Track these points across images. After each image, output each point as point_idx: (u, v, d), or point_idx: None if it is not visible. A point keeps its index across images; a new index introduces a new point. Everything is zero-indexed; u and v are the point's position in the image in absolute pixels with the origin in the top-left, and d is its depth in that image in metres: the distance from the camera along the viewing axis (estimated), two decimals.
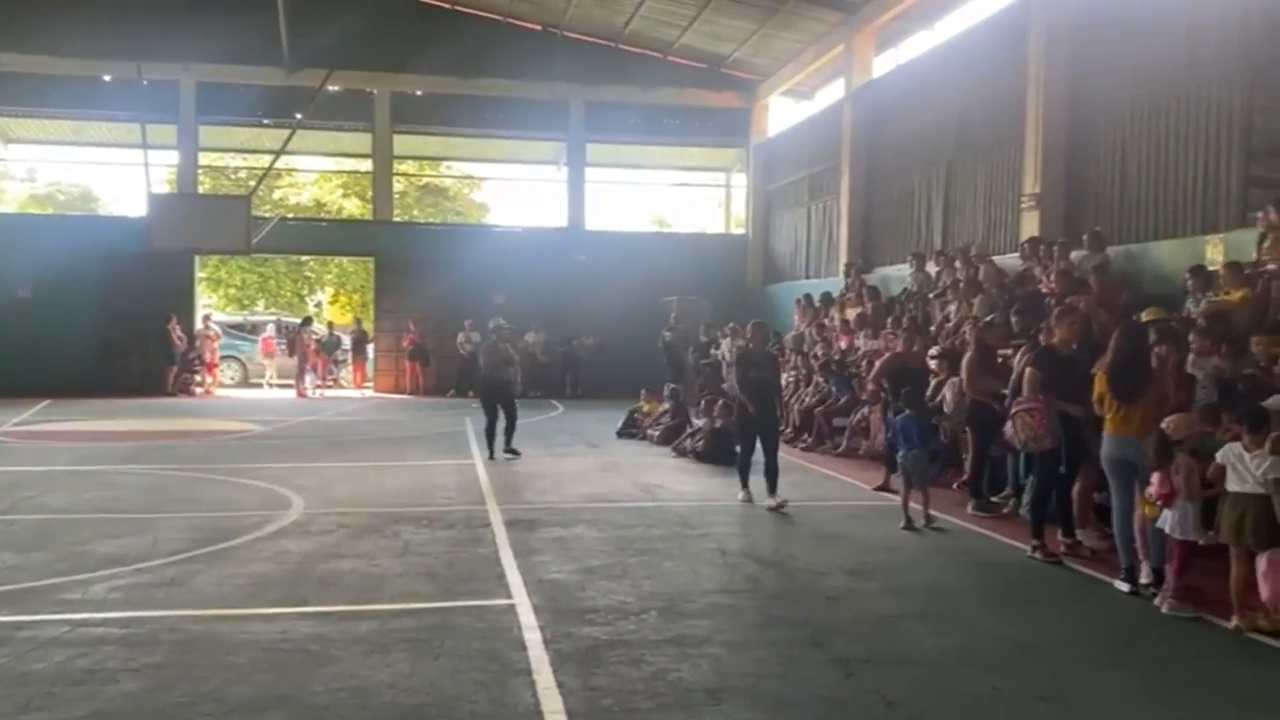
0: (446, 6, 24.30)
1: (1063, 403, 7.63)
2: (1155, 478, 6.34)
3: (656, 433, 14.86)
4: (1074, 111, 13.63)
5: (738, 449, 10.45)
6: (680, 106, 25.67)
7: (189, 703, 4.67)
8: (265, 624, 5.89)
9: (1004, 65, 14.82)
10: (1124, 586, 6.85)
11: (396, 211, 26.54)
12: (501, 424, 12.88)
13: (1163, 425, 6.44)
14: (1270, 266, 9.13)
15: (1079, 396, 7.49)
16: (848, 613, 6.37)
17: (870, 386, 12.35)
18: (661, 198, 29.08)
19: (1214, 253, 10.25)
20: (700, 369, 19.23)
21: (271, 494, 10.14)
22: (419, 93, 24.98)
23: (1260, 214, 9.56)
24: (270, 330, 26.52)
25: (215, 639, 5.62)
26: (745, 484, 10.13)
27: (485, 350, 13.29)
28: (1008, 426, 8.06)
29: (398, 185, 28.49)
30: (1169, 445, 6.36)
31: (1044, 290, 11.47)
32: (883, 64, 20.16)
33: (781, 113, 25.60)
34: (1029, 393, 7.80)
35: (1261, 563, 5.92)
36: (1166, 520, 6.35)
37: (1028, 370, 7.97)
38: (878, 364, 11.66)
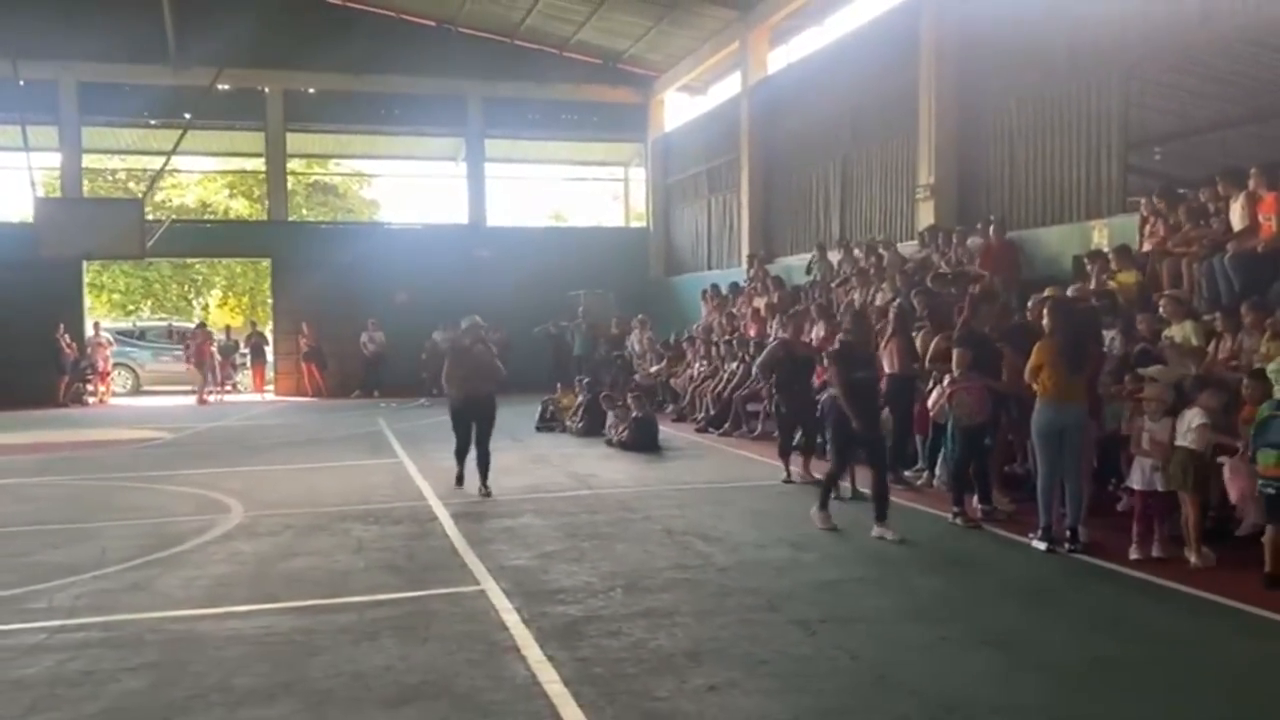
0: (338, 3, 24.05)
1: (989, 380, 8.30)
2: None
3: (580, 425, 15.17)
4: (964, 105, 14.46)
5: (829, 453, 9.07)
6: (577, 101, 25.93)
7: (197, 694, 4.82)
8: (245, 620, 6.03)
9: (896, 61, 15.58)
10: (1041, 545, 7.50)
11: (293, 210, 26.16)
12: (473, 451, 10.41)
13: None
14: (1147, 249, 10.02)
15: (996, 374, 8.17)
16: (796, 580, 6.84)
17: (758, 374, 12.82)
18: (561, 192, 29.38)
19: (1099, 237, 11.10)
20: (612, 361, 19.60)
21: (205, 499, 10.11)
22: (312, 90, 24.67)
23: (1143, 200, 10.43)
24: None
25: (200, 637, 5.74)
26: (825, 504, 8.47)
27: (459, 354, 10.44)
28: (942, 403, 8.68)
29: (287, 184, 28.02)
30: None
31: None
32: (777, 60, 20.82)
33: (678, 107, 26.13)
34: (960, 373, 8.42)
35: (1226, 471, 6.93)
36: (1135, 475, 7.23)
37: (956, 351, 8.57)
38: (764, 353, 11.87)
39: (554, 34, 24.43)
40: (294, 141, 25.36)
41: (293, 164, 26.96)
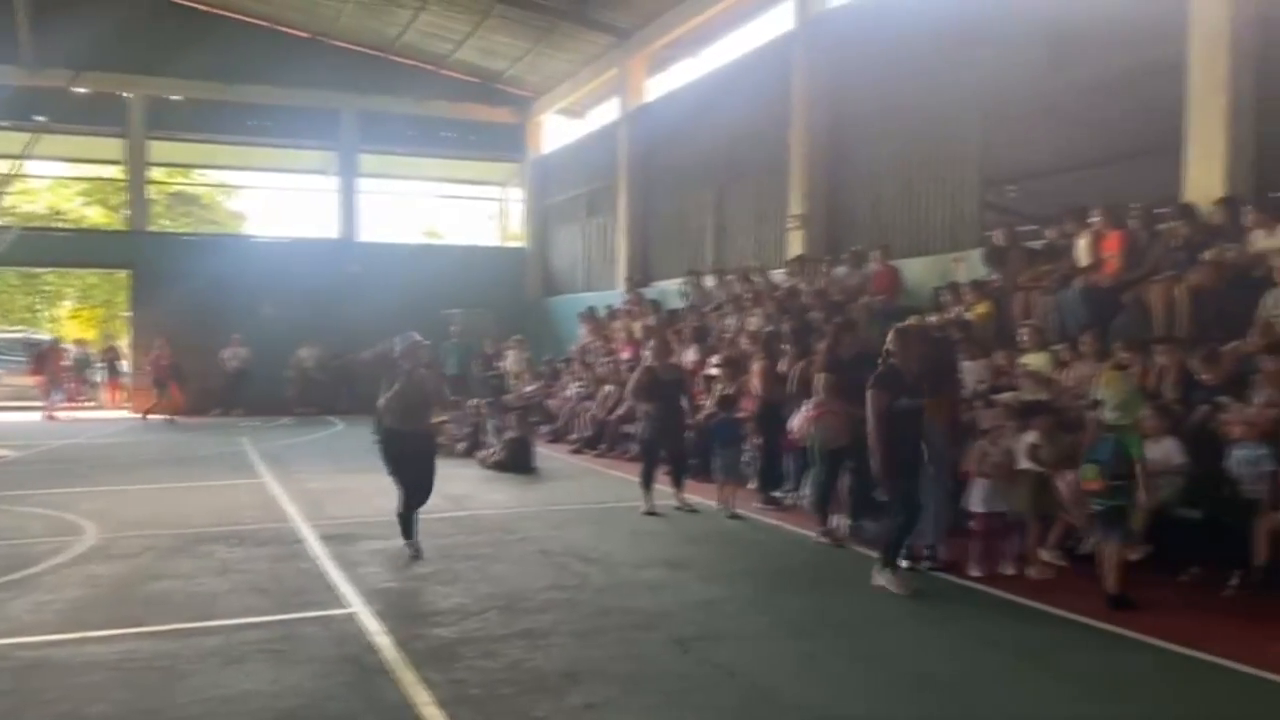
0: (206, 10, 23.32)
1: (852, 406, 8.58)
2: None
3: (462, 445, 15.02)
4: (834, 140, 14.99)
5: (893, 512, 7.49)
6: (455, 119, 25.75)
7: None
8: (103, 645, 5.77)
9: (770, 95, 16.05)
10: (902, 563, 7.79)
11: (151, 221, 25.09)
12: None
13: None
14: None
15: (860, 400, 8.46)
16: (672, 599, 6.94)
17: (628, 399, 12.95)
18: (437, 210, 29.06)
19: (958, 270, 11.64)
20: (486, 381, 19.46)
21: (56, 520, 9.61)
22: (178, 97, 23.81)
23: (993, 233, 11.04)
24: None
25: (55, 663, 5.47)
26: (892, 563, 7.29)
27: (401, 380, 8.22)
28: (806, 427, 8.94)
29: (148, 193, 26.92)
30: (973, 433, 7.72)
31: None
32: (656, 87, 21.15)
33: (557, 130, 26.25)
34: (826, 397, 8.70)
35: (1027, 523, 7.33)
36: (975, 497, 7.55)
37: (823, 376, 8.86)
38: (631, 379, 11.89)
39: (431, 51, 24.25)
40: (157, 150, 24.38)
41: (155, 173, 25.92)
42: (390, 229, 27.25)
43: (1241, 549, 6.84)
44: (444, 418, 14.54)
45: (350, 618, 6.42)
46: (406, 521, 8.29)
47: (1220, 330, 8.16)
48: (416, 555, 8.08)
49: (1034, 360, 9.04)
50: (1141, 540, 7.10)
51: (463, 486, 12.04)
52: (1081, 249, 10.02)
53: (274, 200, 29.36)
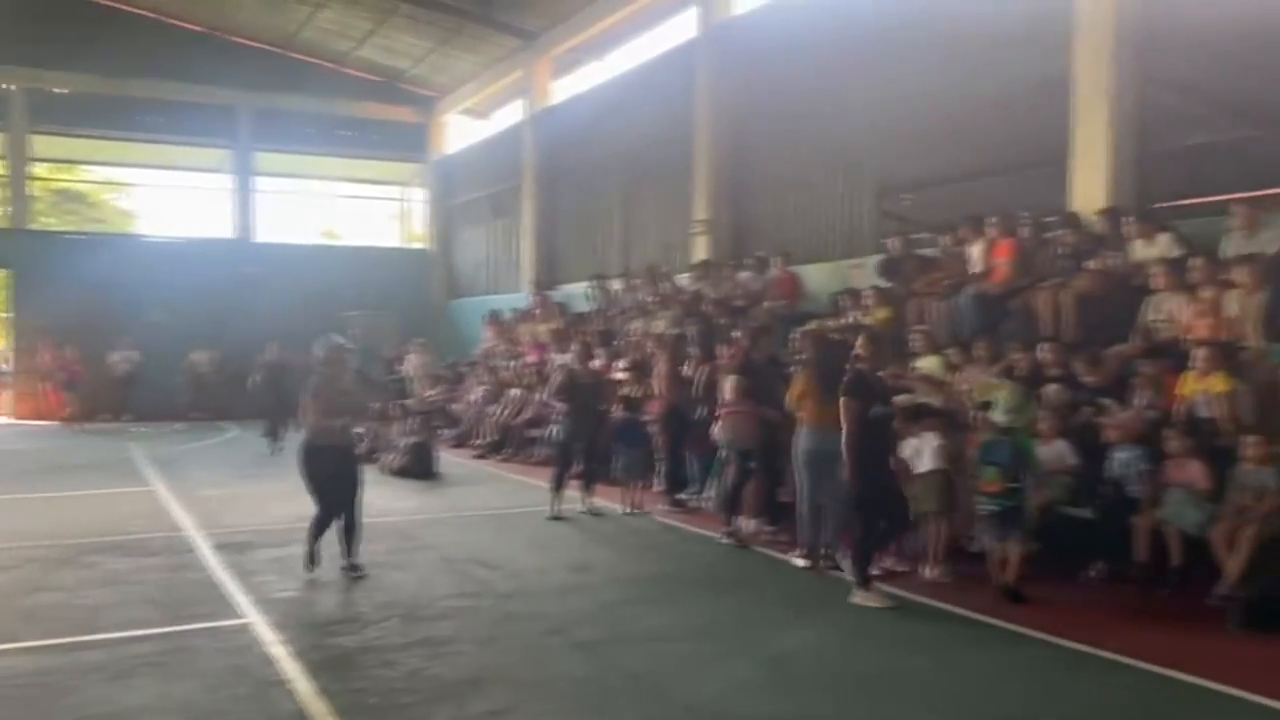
0: (96, 0, 22.47)
1: (761, 408, 8.72)
2: None
3: (361, 452, 14.70)
4: (738, 146, 15.17)
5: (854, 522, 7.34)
6: (356, 118, 25.29)
7: None
8: None
9: (675, 101, 16.17)
10: (801, 562, 7.94)
11: (32, 219, 24.02)
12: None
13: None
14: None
15: (769, 402, 8.61)
16: (577, 603, 6.93)
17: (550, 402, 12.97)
18: (337, 210, 28.43)
19: (856, 276, 11.89)
20: (388, 386, 19.13)
21: None
22: (63, 91, 22.87)
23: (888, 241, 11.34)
24: None
25: None
26: (865, 581, 7.00)
27: (328, 388, 7.62)
28: (714, 428, 9.03)
29: (30, 190, 25.78)
30: None
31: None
32: (561, 90, 21.11)
33: (461, 130, 25.97)
34: (734, 399, 8.80)
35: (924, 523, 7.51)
36: None
37: (733, 378, 8.95)
38: (552, 379, 12.14)
39: (332, 48, 23.80)
40: (40, 145, 23.38)
41: (38, 169, 24.82)
42: (289, 229, 26.57)
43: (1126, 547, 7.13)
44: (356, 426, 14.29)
45: (245, 628, 6.25)
46: (316, 531, 7.63)
47: (1103, 335, 8.49)
48: (312, 563, 7.59)
49: (926, 364, 9.28)
50: (1032, 539, 7.34)
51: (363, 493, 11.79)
52: (974, 257, 10.33)
53: (166, 199, 28.29)
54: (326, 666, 5.49)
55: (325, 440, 7.56)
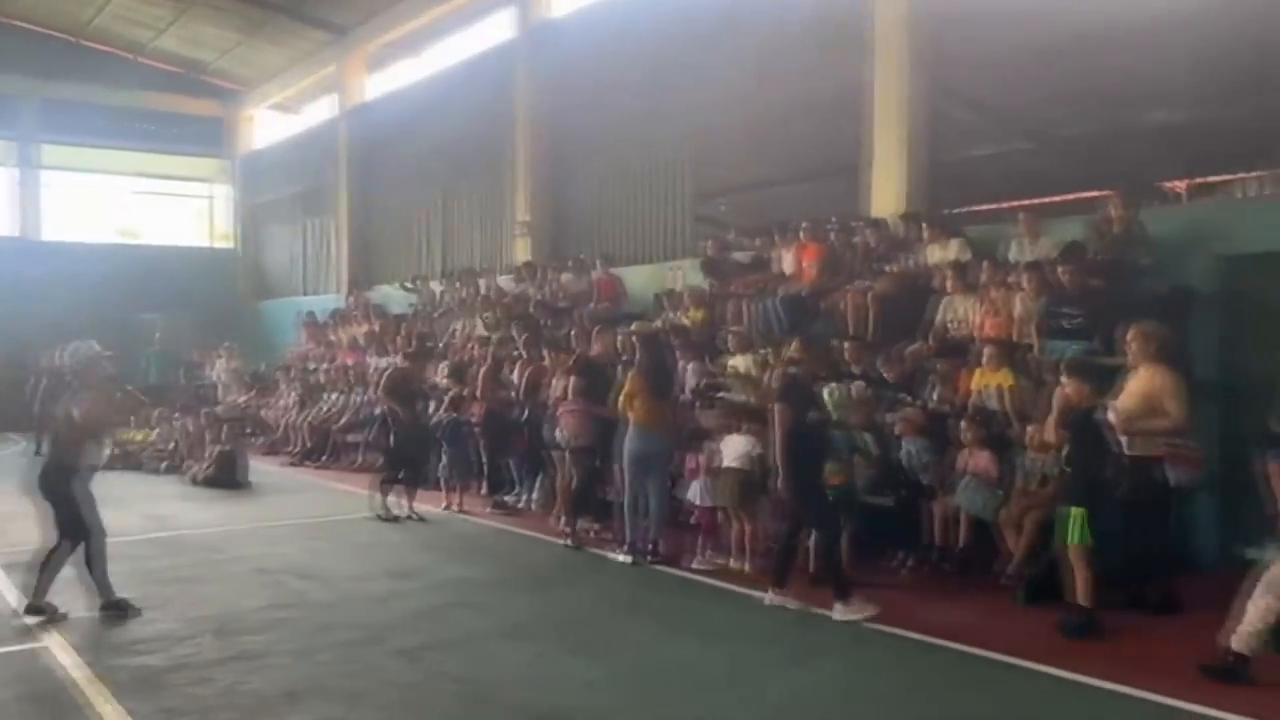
0: None
1: (596, 407, 8.82)
2: (689, 457, 8.01)
3: (163, 464, 14.01)
4: (558, 149, 15.26)
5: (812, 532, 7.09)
6: (155, 111, 23.93)
7: None
8: None
9: (494, 102, 16.12)
10: (626, 558, 8.10)
11: None
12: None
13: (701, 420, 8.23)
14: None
15: (604, 401, 8.75)
16: (398, 610, 6.84)
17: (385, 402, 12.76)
18: (135, 207, 26.72)
19: (674, 278, 12.18)
20: (192, 391, 18.25)
21: None
22: None
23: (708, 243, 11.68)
24: None
25: None
26: (847, 595, 6.54)
27: (97, 400, 6.86)
28: (547, 429, 9.10)
29: None
30: (699, 433, 8.12)
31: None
32: (376, 86, 20.64)
33: (270, 125, 24.97)
34: (571, 398, 8.86)
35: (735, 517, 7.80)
36: (692, 492, 7.95)
37: (572, 378, 9.01)
38: (383, 380, 11.95)
39: (128, 37, 22.45)
40: None
41: None
42: (81, 227, 24.84)
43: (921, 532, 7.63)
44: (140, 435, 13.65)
45: (40, 652, 5.89)
46: (46, 566, 6.58)
47: (901, 334, 9.02)
48: (34, 613, 6.51)
49: (739, 362, 9.63)
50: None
51: (167, 506, 11.27)
52: (784, 260, 10.76)
53: None
54: (134, 687, 5.23)
55: (63, 459, 6.67)
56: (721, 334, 10.13)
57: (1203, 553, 7.39)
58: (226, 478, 12.56)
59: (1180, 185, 9.66)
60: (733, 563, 7.82)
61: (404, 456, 10.56)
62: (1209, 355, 7.65)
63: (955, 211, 10.13)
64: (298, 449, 15.09)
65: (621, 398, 8.23)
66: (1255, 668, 5.17)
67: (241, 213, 25.15)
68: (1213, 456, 7.00)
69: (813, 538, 7.12)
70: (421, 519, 10.12)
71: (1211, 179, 9.47)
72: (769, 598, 6.76)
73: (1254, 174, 8.92)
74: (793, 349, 7.72)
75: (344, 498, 11.73)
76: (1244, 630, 5.19)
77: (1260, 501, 6.17)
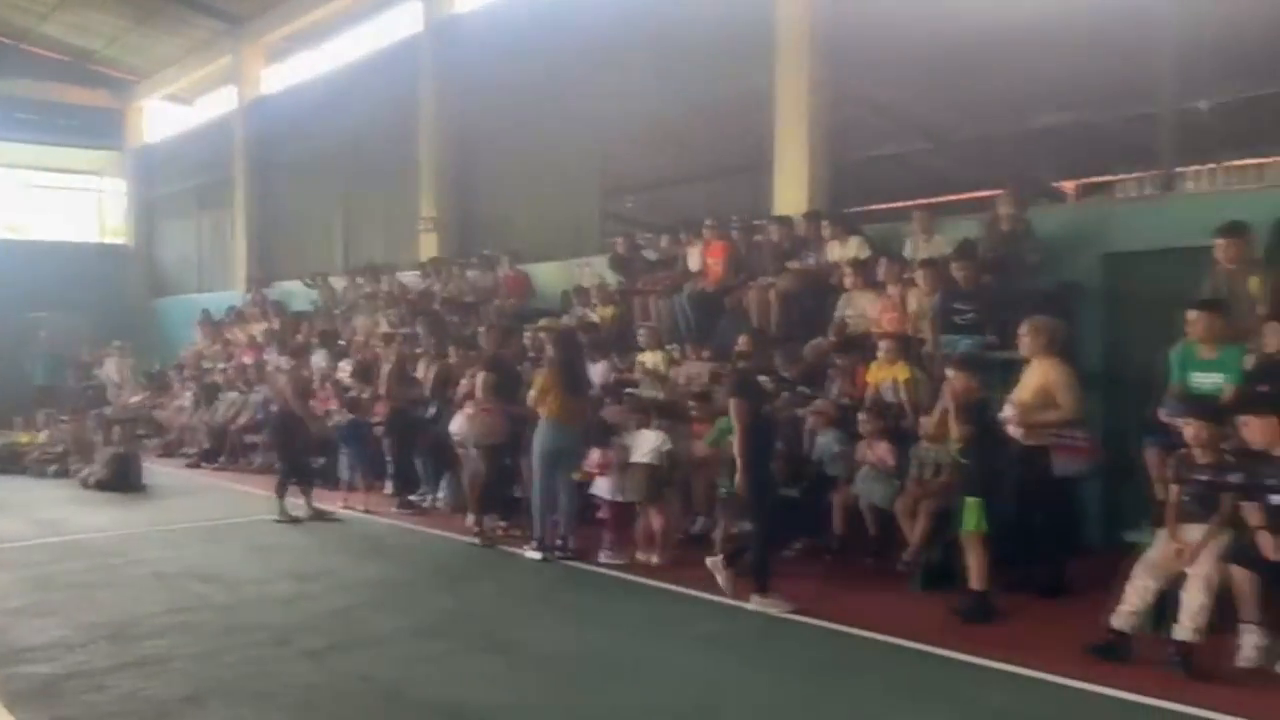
0: None
1: (509, 405, 8.80)
2: (595, 454, 7.98)
3: (52, 467, 13.49)
4: (465, 144, 15.15)
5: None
6: (40, 101, 22.93)
7: None
8: None
9: (399, 96, 15.91)
10: (535, 554, 8.11)
11: None
12: None
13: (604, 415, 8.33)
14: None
15: (516, 399, 8.74)
16: (303, 611, 6.75)
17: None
18: (20, 201, 25.58)
19: (583, 275, 12.20)
20: (83, 393, 17.62)
21: None
22: None
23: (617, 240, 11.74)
24: None
25: None
26: (766, 589, 6.60)
27: None
28: (454, 425, 9.04)
29: None
30: (607, 429, 8.15)
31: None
32: (276, 79, 20.18)
33: (164, 117, 24.20)
34: (483, 396, 8.81)
35: (645, 511, 7.87)
36: (600, 487, 8.00)
37: (483, 375, 8.95)
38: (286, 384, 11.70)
39: (11, 23, 21.51)
40: None
41: None
42: None
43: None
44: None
45: None
46: None
47: (803, 330, 9.22)
48: None
49: (650, 358, 9.72)
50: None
51: (58, 510, 10.89)
52: (691, 257, 10.89)
53: None
54: (26, 697, 5.07)
55: None
56: (636, 330, 10.21)
57: (1090, 536, 7.73)
58: (120, 481, 12.16)
59: (1069, 186, 10.09)
60: (640, 556, 7.90)
61: (296, 456, 10.37)
62: (1094, 349, 8.03)
63: (856, 210, 10.37)
64: (195, 450, 14.68)
65: (534, 393, 8.24)
66: (1136, 645, 5.45)
67: (135, 207, 24.34)
68: (1099, 445, 7.34)
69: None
70: (324, 517, 9.97)
71: (1097, 180, 9.91)
72: (754, 602, 6.55)
73: (1135, 175, 9.37)
74: (741, 344, 7.84)
75: (245, 499, 11.47)
76: (1124, 610, 5.47)
77: (1142, 487, 6.56)
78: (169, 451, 15.36)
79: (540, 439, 8.14)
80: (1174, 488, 5.69)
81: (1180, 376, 6.34)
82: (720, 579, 6.76)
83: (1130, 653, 5.43)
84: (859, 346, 8.61)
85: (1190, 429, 5.64)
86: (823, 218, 9.92)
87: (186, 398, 15.89)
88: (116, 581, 7.57)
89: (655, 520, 7.90)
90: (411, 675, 5.44)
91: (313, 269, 17.22)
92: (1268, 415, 5.38)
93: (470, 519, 9.06)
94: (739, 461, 6.65)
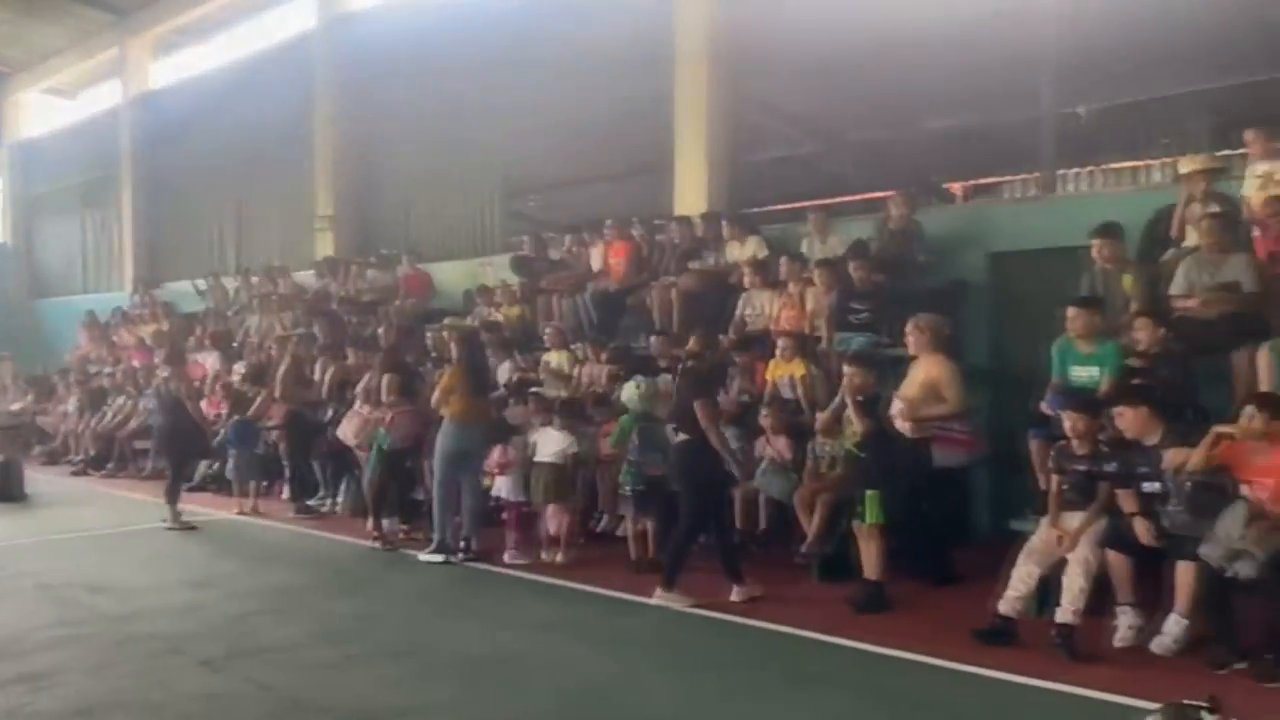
0: None
1: (414, 407, 8.72)
2: (496, 452, 7.97)
3: None
4: (363, 142, 14.93)
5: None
6: None
7: None
8: None
9: (293, 93, 15.58)
10: (437, 557, 8.06)
11: None
12: None
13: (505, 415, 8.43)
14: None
15: (421, 401, 8.66)
16: (199, 620, 6.58)
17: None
18: None
19: (486, 274, 12.16)
20: None
21: None
22: None
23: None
24: None
25: None
26: (673, 584, 6.70)
27: None
28: (367, 429, 8.89)
29: None
30: (509, 429, 8.22)
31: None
32: (164, 72, 19.55)
33: (44, 111, 23.22)
34: (394, 399, 8.69)
35: (549, 510, 7.87)
36: (501, 487, 8.01)
37: (387, 378, 8.83)
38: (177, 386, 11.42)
39: None
40: None
41: None
42: None
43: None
44: None
45: None
46: None
47: (704, 328, 9.33)
48: None
49: (554, 358, 9.74)
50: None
51: None
52: (594, 257, 10.94)
53: None
54: None
55: None
56: (541, 330, 10.22)
57: (978, 525, 8.04)
58: (3, 490, 11.66)
59: (957, 187, 10.47)
60: (544, 555, 7.92)
61: (189, 459, 10.16)
62: (981, 345, 8.34)
63: (754, 210, 10.56)
64: (81, 458, 14.16)
65: (437, 394, 8.18)
66: (1020, 629, 5.69)
67: (14, 205, 23.29)
68: (984, 437, 7.63)
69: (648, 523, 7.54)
70: (223, 524, 9.75)
71: (984, 181, 10.30)
72: (658, 596, 6.63)
73: (1019, 177, 9.77)
74: (691, 344, 8.03)
75: (135, 507, 11.10)
76: (1009, 595, 5.71)
77: (1027, 478, 6.85)
78: (53, 459, 14.78)
79: (444, 440, 8.09)
80: (1055, 477, 5.96)
81: (1060, 370, 6.63)
82: (738, 595, 6.69)
83: (1015, 636, 5.66)
84: (758, 343, 8.78)
85: (1069, 420, 5.90)
86: (722, 218, 10.07)
87: (71, 403, 15.29)
88: None
89: (559, 520, 7.92)
90: (313, 682, 5.37)
91: (204, 269, 16.74)
92: (1140, 406, 5.67)
93: (370, 523, 8.94)
94: (726, 454, 6.75)
